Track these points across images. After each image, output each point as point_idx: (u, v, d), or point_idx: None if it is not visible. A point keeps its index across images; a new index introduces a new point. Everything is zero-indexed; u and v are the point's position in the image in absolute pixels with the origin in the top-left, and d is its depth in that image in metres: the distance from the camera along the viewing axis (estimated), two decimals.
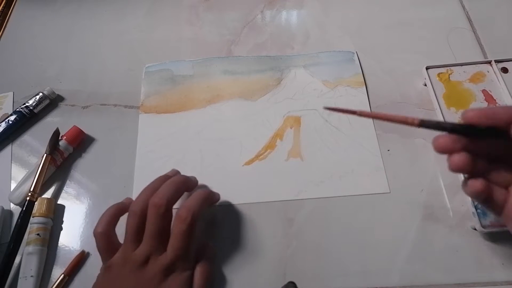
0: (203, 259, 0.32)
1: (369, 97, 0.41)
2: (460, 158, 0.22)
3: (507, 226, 0.23)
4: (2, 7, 0.53)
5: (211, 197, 0.34)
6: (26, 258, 0.33)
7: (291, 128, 0.39)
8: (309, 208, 0.35)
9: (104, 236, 0.31)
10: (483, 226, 0.32)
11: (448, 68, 0.40)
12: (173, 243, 0.30)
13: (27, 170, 0.39)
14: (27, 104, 0.42)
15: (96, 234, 0.31)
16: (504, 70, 0.39)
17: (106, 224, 0.31)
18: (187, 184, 0.35)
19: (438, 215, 0.34)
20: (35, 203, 0.36)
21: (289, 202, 0.36)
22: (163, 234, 0.30)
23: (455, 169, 0.22)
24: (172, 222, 0.31)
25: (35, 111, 0.42)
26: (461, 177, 0.34)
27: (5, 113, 0.43)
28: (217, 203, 0.36)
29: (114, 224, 0.32)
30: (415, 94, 0.41)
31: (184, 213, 0.30)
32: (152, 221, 0.30)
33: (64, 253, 0.35)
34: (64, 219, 0.37)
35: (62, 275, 0.33)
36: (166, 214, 0.30)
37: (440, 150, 0.22)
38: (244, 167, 0.38)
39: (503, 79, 0.39)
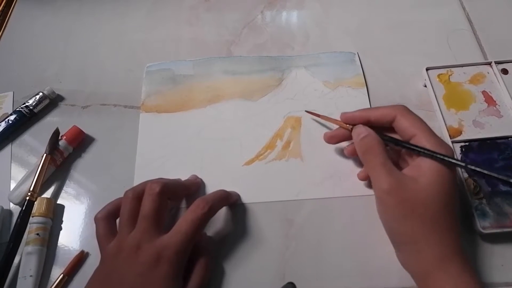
0: (200, 249, 0.31)
1: (370, 98, 0.41)
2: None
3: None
4: (2, 7, 0.53)
5: (229, 198, 0.34)
6: (26, 258, 0.33)
7: (291, 128, 0.39)
8: (309, 209, 0.35)
9: (104, 222, 0.31)
10: (482, 228, 0.32)
11: (448, 69, 0.40)
12: (182, 227, 0.29)
13: (27, 170, 0.39)
14: (27, 104, 0.42)
15: (96, 219, 0.31)
16: (504, 71, 0.40)
17: (107, 211, 0.32)
18: (186, 185, 0.35)
19: None
20: (35, 202, 0.36)
21: (289, 203, 0.36)
22: (156, 217, 0.30)
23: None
24: (186, 211, 0.30)
25: (35, 110, 0.42)
26: (461, 176, 0.34)
27: (5, 113, 0.43)
28: None
29: (116, 214, 0.32)
30: (415, 95, 0.41)
31: (202, 203, 0.30)
32: (146, 203, 0.30)
33: (63, 253, 0.35)
34: (64, 219, 0.37)
35: (62, 275, 0.33)
36: (160, 196, 0.30)
37: (326, 141, 0.36)
38: (244, 167, 0.38)
39: (503, 80, 0.39)
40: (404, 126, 0.31)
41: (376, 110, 0.33)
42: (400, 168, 0.30)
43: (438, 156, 0.28)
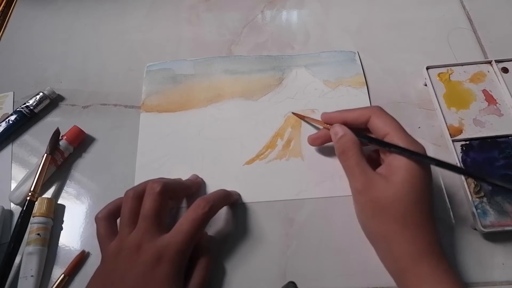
0: (201, 249, 0.31)
1: (370, 97, 0.41)
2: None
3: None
4: (2, 7, 0.53)
5: (230, 197, 0.34)
6: (26, 258, 0.33)
7: (292, 127, 0.39)
8: (310, 208, 0.35)
9: (104, 222, 0.31)
10: (483, 226, 0.32)
11: (448, 68, 0.40)
12: (183, 227, 0.29)
13: (28, 170, 0.39)
14: (27, 104, 0.42)
15: (96, 219, 0.31)
16: (505, 70, 0.40)
17: (107, 211, 0.32)
18: (187, 185, 0.35)
19: (438, 215, 0.34)
20: (36, 203, 0.36)
21: (289, 202, 0.36)
22: (157, 216, 0.30)
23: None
24: (187, 211, 0.30)
25: (36, 111, 0.42)
26: (461, 177, 0.34)
27: (6, 113, 0.43)
28: None
29: (116, 214, 0.32)
30: (415, 94, 0.41)
31: (203, 203, 0.30)
32: (146, 202, 0.30)
33: (64, 253, 0.35)
34: (65, 219, 0.37)
35: (62, 275, 0.33)
36: (161, 196, 0.30)
37: (310, 144, 0.37)
38: (244, 166, 0.38)
39: (503, 79, 0.39)
40: (378, 125, 0.31)
41: (353, 111, 0.33)
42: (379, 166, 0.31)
43: (407, 152, 0.28)
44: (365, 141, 0.32)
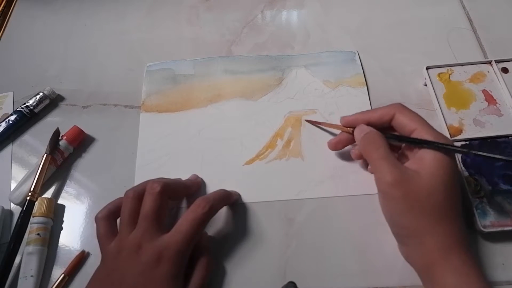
0: (201, 249, 0.31)
1: (370, 97, 0.41)
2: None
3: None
4: (2, 7, 0.53)
5: (230, 197, 0.34)
6: (26, 258, 0.33)
7: (291, 127, 0.39)
8: (310, 208, 0.35)
9: (104, 222, 0.31)
10: (483, 226, 0.32)
11: (448, 68, 0.40)
12: (183, 227, 0.29)
13: (28, 170, 0.39)
14: (27, 104, 0.42)
15: (96, 219, 0.31)
16: (505, 70, 0.40)
17: (107, 211, 0.32)
18: (187, 185, 0.35)
19: None
20: (35, 203, 0.36)
21: (289, 202, 0.36)
22: (157, 216, 0.30)
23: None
24: (187, 211, 0.30)
25: (36, 111, 0.42)
26: (462, 175, 0.34)
27: (5, 113, 0.43)
28: None
29: (116, 214, 0.32)
30: (415, 94, 0.41)
31: (203, 202, 0.30)
32: (146, 202, 0.30)
33: (64, 253, 0.35)
34: (64, 219, 0.37)
35: (62, 275, 0.33)
36: (161, 196, 0.30)
37: (332, 149, 0.37)
38: (244, 166, 0.38)
39: (503, 79, 0.39)
40: (404, 122, 0.31)
41: (375, 111, 0.33)
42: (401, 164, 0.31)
43: (443, 146, 0.29)
44: (393, 141, 0.32)
